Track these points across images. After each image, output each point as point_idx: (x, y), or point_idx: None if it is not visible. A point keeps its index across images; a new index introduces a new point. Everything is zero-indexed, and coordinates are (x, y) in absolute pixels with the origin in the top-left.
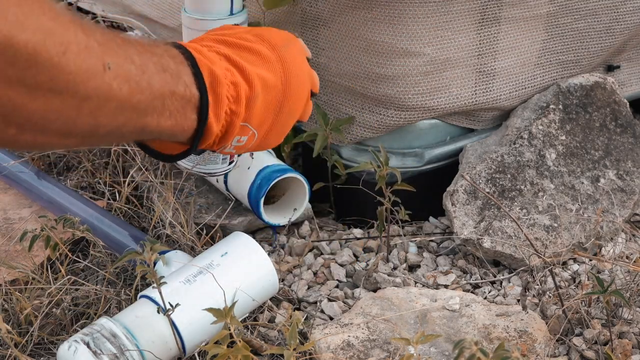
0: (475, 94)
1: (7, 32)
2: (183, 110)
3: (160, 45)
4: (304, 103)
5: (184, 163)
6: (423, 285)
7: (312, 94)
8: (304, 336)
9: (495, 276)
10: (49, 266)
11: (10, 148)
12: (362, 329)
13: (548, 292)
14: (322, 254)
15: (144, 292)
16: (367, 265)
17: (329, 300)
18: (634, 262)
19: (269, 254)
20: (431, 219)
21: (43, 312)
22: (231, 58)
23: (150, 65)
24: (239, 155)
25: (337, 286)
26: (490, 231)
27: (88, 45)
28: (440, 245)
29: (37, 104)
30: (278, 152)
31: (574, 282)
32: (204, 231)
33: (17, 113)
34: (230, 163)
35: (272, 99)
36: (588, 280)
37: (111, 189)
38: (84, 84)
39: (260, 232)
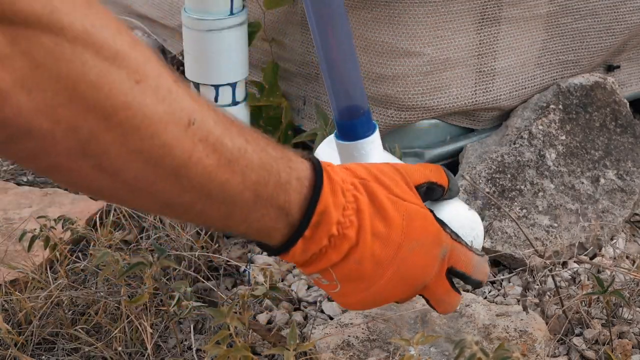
0: (475, 94)
1: (85, 27)
2: (276, 218)
3: (282, 150)
4: (411, 289)
5: None
6: None
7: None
8: (303, 337)
9: (495, 276)
10: (48, 266)
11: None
12: (362, 329)
13: (548, 292)
14: None
15: None
16: None
17: (329, 300)
18: (636, 267)
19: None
20: None
21: (43, 312)
22: (361, 211)
23: (252, 155)
24: None
25: None
26: (490, 231)
27: (172, 90)
28: None
29: (111, 135)
30: None
31: (574, 282)
32: (204, 231)
33: (95, 142)
34: None
35: (375, 256)
36: (588, 280)
37: None
38: (163, 128)
39: None
